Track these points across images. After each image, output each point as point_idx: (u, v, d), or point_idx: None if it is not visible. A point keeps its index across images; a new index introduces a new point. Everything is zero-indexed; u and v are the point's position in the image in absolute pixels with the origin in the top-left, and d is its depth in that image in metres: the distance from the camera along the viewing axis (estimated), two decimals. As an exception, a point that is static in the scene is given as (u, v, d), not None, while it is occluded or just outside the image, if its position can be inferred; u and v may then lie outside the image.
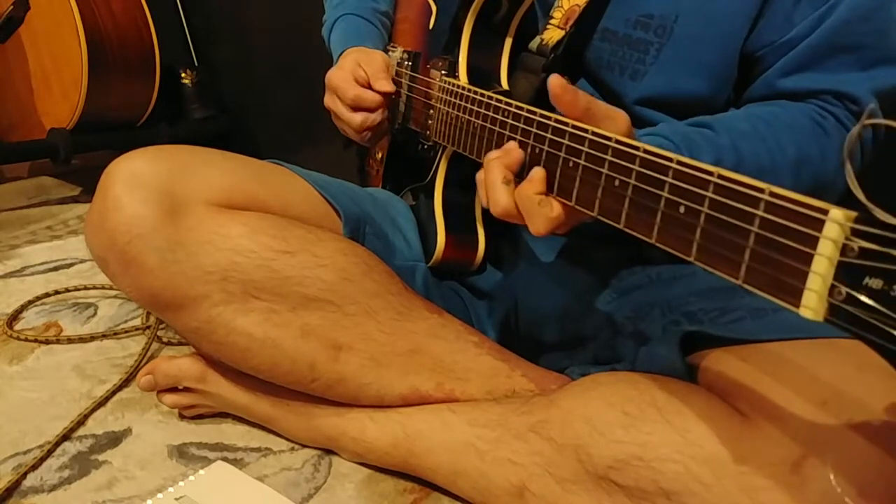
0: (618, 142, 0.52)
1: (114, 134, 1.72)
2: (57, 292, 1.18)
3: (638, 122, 0.68)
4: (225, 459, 0.79)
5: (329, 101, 0.90)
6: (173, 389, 0.85)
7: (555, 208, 0.58)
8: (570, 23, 0.73)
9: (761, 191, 0.41)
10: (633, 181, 0.51)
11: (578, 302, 0.82)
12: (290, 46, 1.70)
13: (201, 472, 0.77)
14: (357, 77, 0.86)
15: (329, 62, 0.95)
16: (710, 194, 0.45)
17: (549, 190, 0.59)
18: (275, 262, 0.71)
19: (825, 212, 0.38)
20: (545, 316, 0.83)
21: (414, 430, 0.73)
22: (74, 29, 1.56)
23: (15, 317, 1.11)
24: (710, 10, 0.71)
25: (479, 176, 0.65)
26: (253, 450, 0.81)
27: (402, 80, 0.89)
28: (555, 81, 0.55)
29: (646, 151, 0.50)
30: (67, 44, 1.58)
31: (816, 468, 0.49)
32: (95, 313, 1.13)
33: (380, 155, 1.00)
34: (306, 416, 0.79)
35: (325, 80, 0.90)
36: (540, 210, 0.58)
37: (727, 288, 0.62)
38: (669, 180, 0.47)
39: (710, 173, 0.45)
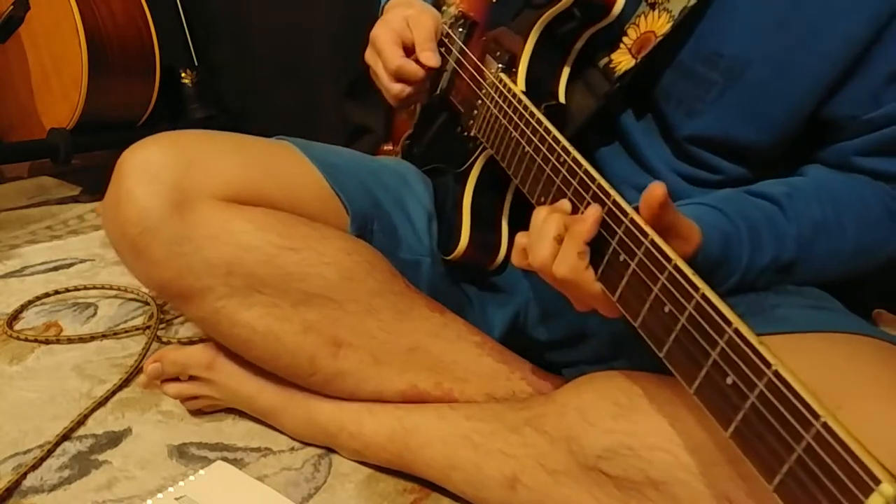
0: (676, 268, 0.47)
1: (114, 134, 1.71)
2: (57, 292, 1.18)
3: (685, 158, 0.66)
4: (225, 459, 0.79)
5: (370, 58, 0.83)
6: (177, 380, 0.86)
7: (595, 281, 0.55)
8: (643, 52, 0.69)
9: (816, 416, 0.38)
10: (683, 320, 0.46)
11: None
12: (290, 47, 1.70)
13: (201, 472, 0.77)
14: (404, 38, 0.80)
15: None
16: (761, 386, 0.40)
17: (594, 271, 0.55)
18: (278, 259, 0.72)
19: (877, 480, 0.35)
20: (555, 312, 0.83)
21: (411, 424, 0.74)
22: (74, 29, 1.56)
23: (15, 317, 1.11)
24: (787, 65, 0.66)
25: (520, 240, 0.61)
26: (253, 450, 0.81)
27: (452, 48, 0.83)
28: (659, 191, 0.52)
29: (703, 297, 0.45)
30: (67, 44, 1.58)
31: None
32: (95, 313, 1.13)
33: (412, 109, 0.94)
34: (307, 409, 0.79)
35: (369, 34, 0.83)
36: (580, 262, 0.55)
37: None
38: (722, 344, 0.43)
39: (768, 363, 0.40)
